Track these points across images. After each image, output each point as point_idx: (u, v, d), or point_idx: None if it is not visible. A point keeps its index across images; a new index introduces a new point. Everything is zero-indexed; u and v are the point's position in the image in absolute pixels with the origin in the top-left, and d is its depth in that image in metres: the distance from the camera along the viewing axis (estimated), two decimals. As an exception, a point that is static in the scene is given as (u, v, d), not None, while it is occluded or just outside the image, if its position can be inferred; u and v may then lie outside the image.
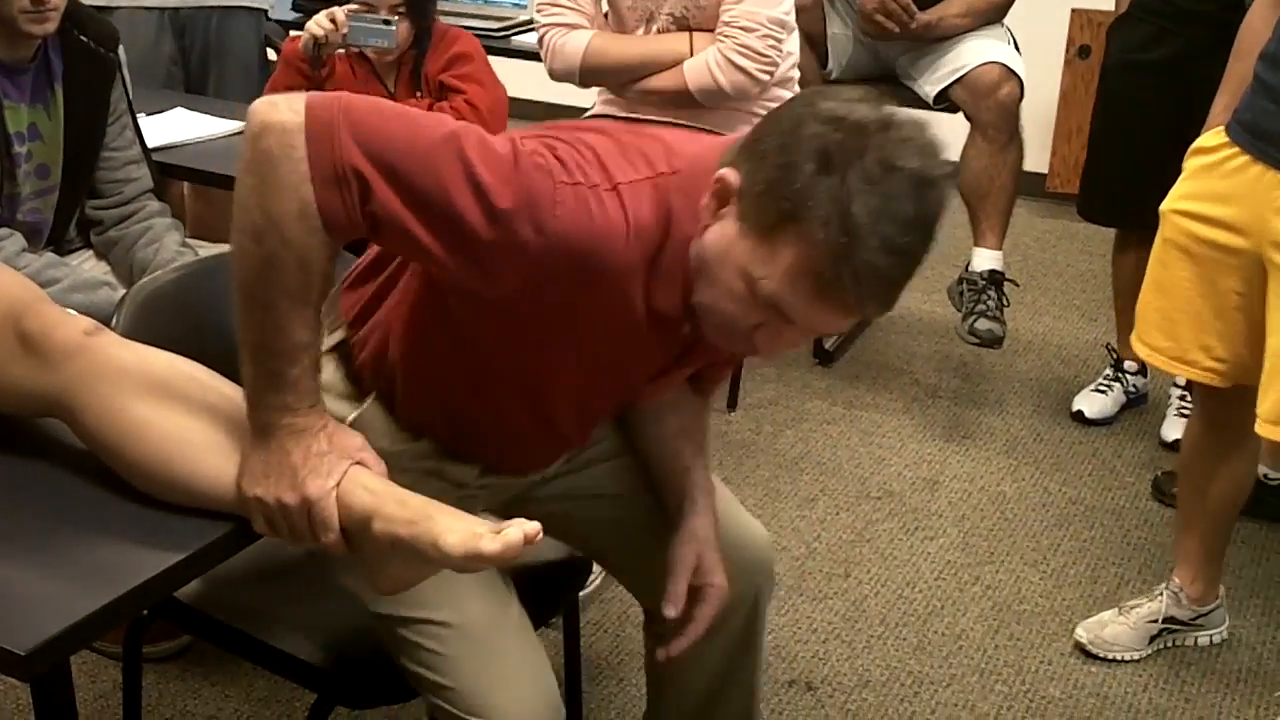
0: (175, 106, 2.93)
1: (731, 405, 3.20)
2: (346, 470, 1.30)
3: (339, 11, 2.60)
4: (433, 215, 1.23)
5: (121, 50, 2.39)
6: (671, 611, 1.53)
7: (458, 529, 1.24)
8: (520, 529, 1.20)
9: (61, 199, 2.33)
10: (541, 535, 1.22)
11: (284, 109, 1.22)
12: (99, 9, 2.80)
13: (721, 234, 1.28)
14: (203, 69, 3.26)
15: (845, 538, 2.70)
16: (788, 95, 2.56)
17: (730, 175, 1.26)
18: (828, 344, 3.48)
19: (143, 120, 2.53)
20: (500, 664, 1.49)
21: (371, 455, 1.34)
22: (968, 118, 3.07)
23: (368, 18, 2.60)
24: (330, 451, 1.30)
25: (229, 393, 1.37)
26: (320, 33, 2.59)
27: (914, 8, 2.98)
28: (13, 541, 1.31)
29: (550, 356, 1.41)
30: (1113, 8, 3.07)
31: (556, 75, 2.52)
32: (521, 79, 3.45)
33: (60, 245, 2.38)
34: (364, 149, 1.22)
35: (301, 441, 1.28)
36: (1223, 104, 2.09)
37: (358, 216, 1.23)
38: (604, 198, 1.28)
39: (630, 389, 1.55)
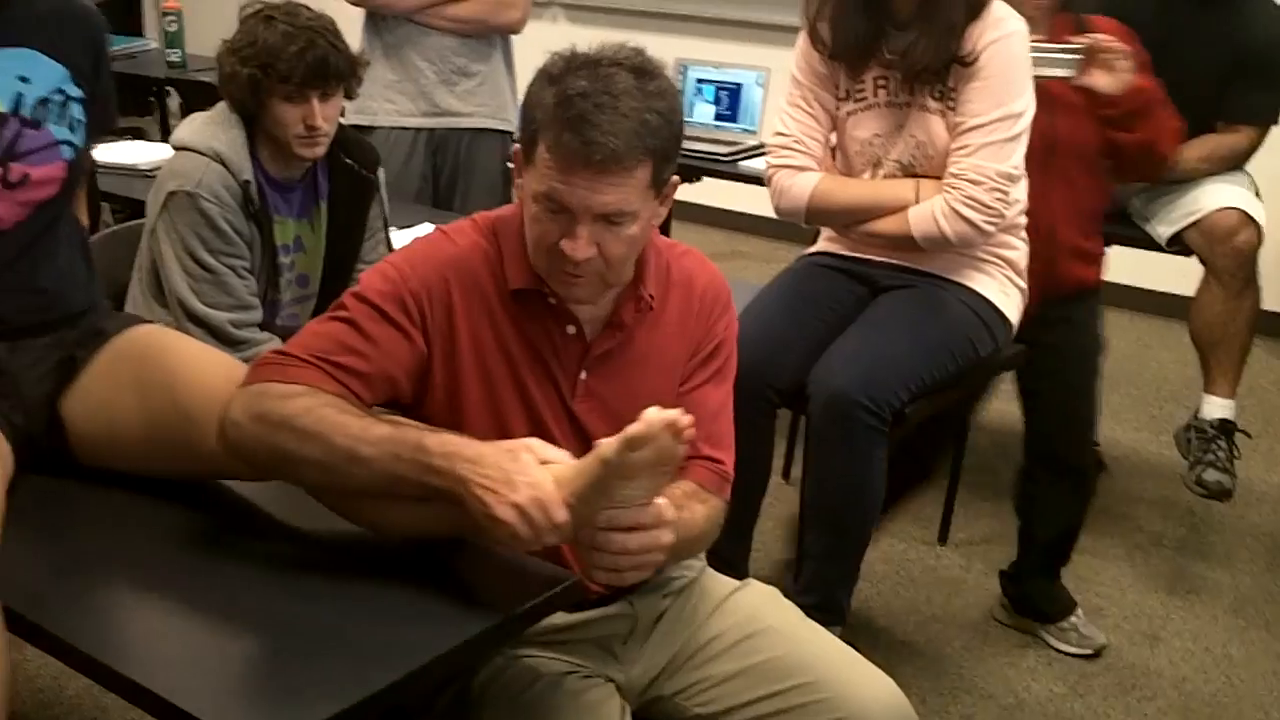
0: (423, 221, 3.11)
1: (943, 540, 3.17)
2: (537, 458, 1.45)
3: None
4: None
5: (381, 171, 2.57)
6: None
7: (609, 440, 1.39)
8: (658, 414, 1.35)
9: (318, 307, 2.51)
10: (692, 430, 1.37)
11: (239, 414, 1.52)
12: (361, 128, 3.02)
13: (523, 189, 1.56)
14: (451, 186, 3.47)
15: (1056, 691, 2.63)
16: (1015, 241, 2.57)
17: (516, 145, 1.58)
18: (1046, 482, 3.40)
19: (393, 233, 2.70)
20: None
21: (541, 443, 1.48)
22: (1202, 262, 3.00)
23: (1048, 46, 2.54)
24: (512, 449, 1.45)
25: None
26: None
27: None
28: (286, 626, 1.44)
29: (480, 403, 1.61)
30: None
31: (782, 214, 2.58)
32: (749, 198, 3.54)
33: None
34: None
35: (482, 461, 1.43)
36: None
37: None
38: (429, 238, 1.65)
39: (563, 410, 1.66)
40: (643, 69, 1.52)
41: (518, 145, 1.59)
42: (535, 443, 1.48)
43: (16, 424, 1.73)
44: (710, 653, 1.73)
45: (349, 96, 2.39)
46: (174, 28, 4.86)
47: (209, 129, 2.31)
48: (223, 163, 2.27)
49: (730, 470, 1.76)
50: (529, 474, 1.42)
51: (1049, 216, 2.64)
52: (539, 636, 1.66)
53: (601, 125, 1.46)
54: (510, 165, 3.26)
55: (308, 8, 2.33)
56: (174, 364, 1.77)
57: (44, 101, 1.79)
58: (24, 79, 1.77)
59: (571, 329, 1.64)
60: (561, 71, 1.51)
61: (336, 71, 2.29)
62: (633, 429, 1.35)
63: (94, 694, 2.37)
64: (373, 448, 1.45)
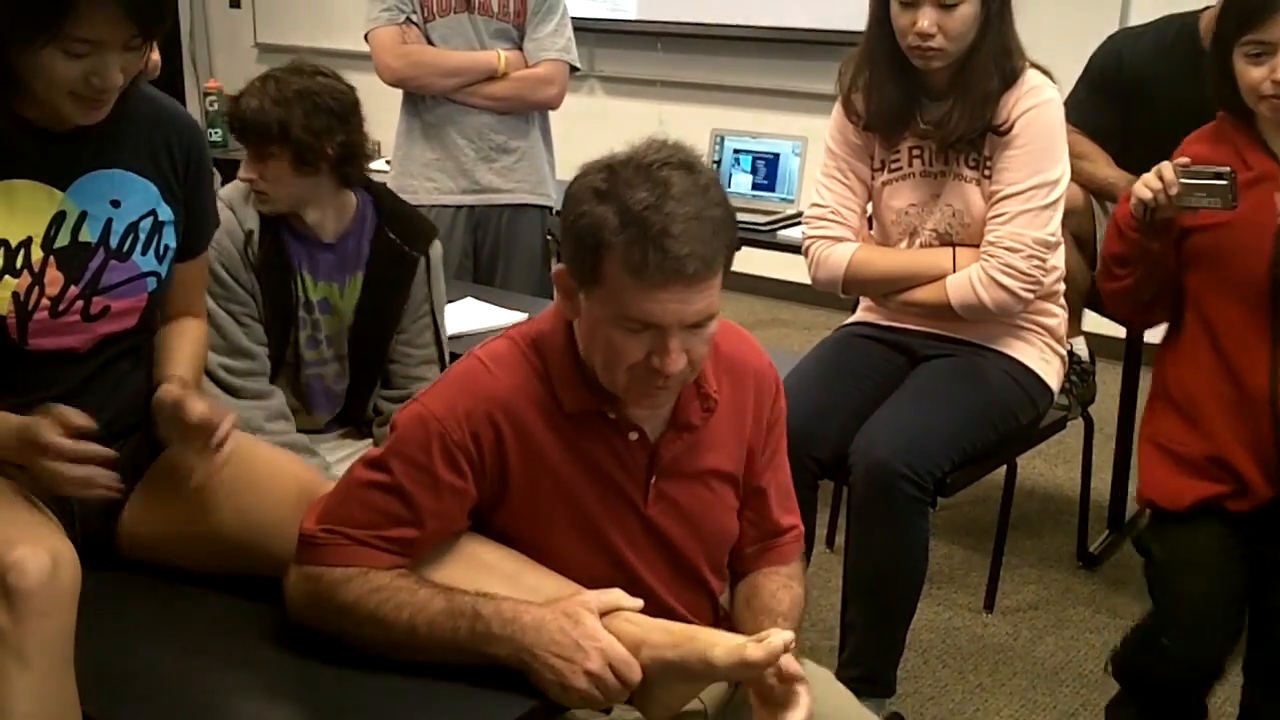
0: (466, 297, 3.15)
1: (989, 607, 3.14)
2: (598, 615, 1.46)
3: (1167, 167, 2.03)
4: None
5: (435, 250, 2.50)
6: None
7: (723, 642, 1.41)
8: (780, 637, 1.37)
9: (354, 379, 2.49)
10: (794, 644, 1.39)
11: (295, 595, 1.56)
12: None
13: (584, 313, 1.50)
14: (492, 262, 3.51)
15: (1107, 760, 2.59)
16: (1054, 309, 2.57)
17: (560, 267, 1.51)
18: (1093, 547, 3.38)
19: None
20: None
21: (597, 596, 1.49)
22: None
23: (1201, 171, 2.00)
24: (573, 611, 1.45)
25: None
26: (1149, 195, 2.04)
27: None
28: (333, 711, 1.47)
29: (549, 530, 1.59)
30: None
31: (820, 284, 2.60)
32: (788, 266, 3.56)
33: (360, 426, 2.56)
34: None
35: (545, 629, 1.43)
36: None
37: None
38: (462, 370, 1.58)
39: (637, 524, 1.63)
40: (689, 164, 1.46)
41: (561, 267, 1.52)
42: (590, 597, 1.48)
43: (70, 530, 1.69)
44: None
45: (346, 178, 2.33)
46: (215, 107, 4.96)
47: (237, 180, 2.35)
48: (231, 209, 2.29)
49: (803, 527, 1.82)
50: (598, 638, 1.42)
51: (1265, 376, 2.04)
52: None
53: (683, 237, 1.40)
54: (550, 240, 3.20)
55: (325, 76, 2.30)
56: (238, 469, 1.76)
57: (133, 228, 1.74)
58: (115, 203, 1.73)
59: (634, 435, 1.60)
60: (610, 185, 1.44)
61: (254, 132, 2.25)
62: (754, 654, 1.38)
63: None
64: (429, 626, 1.46)
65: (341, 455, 2.45)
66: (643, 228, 1.41)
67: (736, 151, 4.01)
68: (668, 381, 1.50)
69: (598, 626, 1.43)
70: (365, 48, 3.39)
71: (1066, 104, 2.54)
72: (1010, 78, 2.40)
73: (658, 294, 1.43)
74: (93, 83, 1.57)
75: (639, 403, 1.56)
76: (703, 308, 1.46)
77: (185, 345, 1.89)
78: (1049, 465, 3.95)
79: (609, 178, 1.45)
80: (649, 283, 1.42)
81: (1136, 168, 3.01)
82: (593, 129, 3.96)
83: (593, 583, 1.56)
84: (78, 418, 1.59)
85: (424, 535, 1.53)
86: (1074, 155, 2.60)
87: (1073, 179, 2.61)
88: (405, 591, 1.47)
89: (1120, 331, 3.47)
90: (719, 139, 4.04)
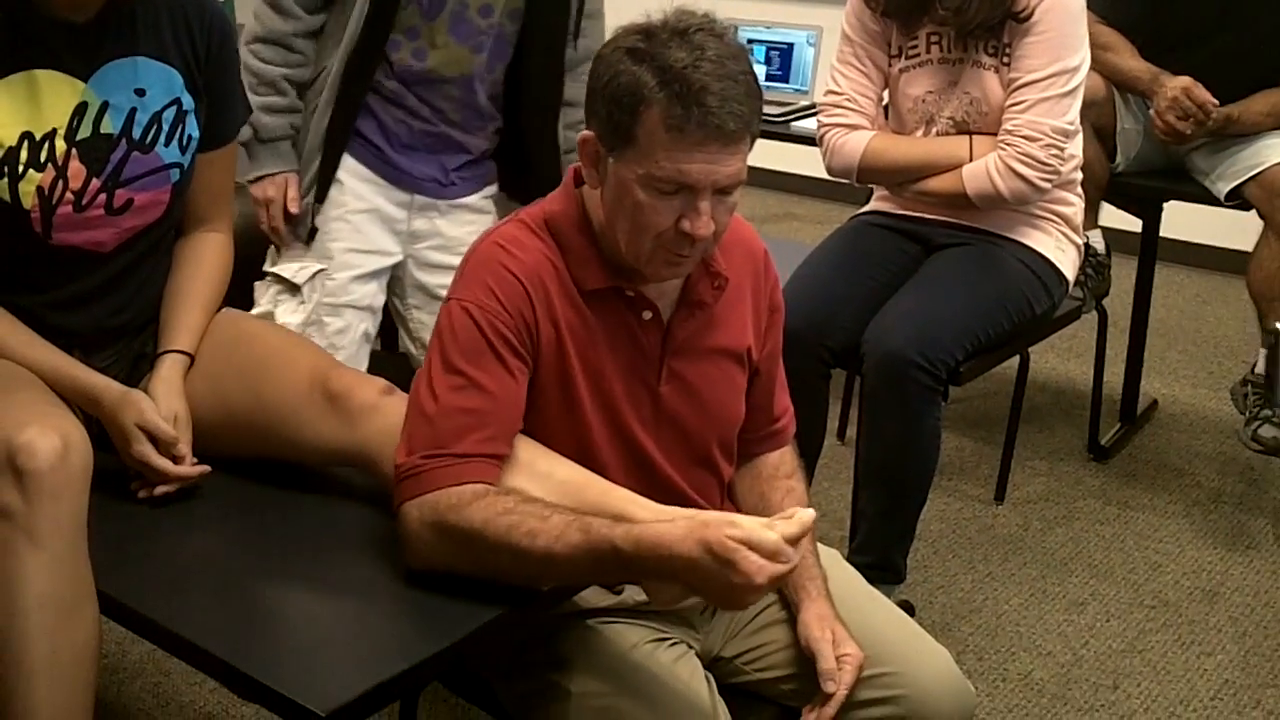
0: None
1: (999, 498, 3.16)
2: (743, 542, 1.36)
3: None
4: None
5: None
6: (833, 686, 1.59)
7: (745, 521, 1.36)
8: (809, 514, 1.36)
9: (518, 60, 2.34)
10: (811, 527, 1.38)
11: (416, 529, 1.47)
12: None
13: (611, 178, 1.50)
14: None
15: (1115, 647, 2.62)
16: (1071, 197, 2.55)
17: (588, 133, 1.51)
18: (1104, 440, 3.39)
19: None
20: None
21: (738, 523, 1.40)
22: (1261, 216, 2.95)
23: None
24: (723, 554, 1.34)
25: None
26: None
27: (1210, 106, 2.89)
28: (320, 609, 1.48)
29: (569, 410, 1.57)
30: None
31: (834, 173, 2.58)
32: (802, 159, 3.54)
33: (516, 177, 2.45)
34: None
35: (698, 569, 1.34)
36: None
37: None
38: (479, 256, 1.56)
39: (649, 401, 1.62)
40: (719, 31, 1.48)
41: (589, 133, 1.51)
42: (738, 528, 1.35)
43: (87, 416, 1.69)
44: (768, 618, 1.72)
45: None
46: (225, -2, 4.90)
47: None
48: None
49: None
50: (751, 578, 1.32)
51: None
52: (623, 610, 1.65)
53: (723, 94, 1.41)
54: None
55: None
56: (249, 352, 1.77)
57: (156, 118, 1.71)
58: (140, 92, 1.70)
59: (648, 314, 1.60)
60: (646, 46, 1.45)
61: None
62: (790, 531, 1.34)
63: (157, 659, 2.42)
64: (569, 561, 1.39)
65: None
66: (685, 84, 1.41)
67: (750, 41, 3.95)
68: (693, 248, 1.50)
69: (748, 557, 1.32)
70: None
71: (1092, -8, 2.49)
72: (1030, -38, 2.35)
73: (694, 153, 1.43)
74: None
75: (659, 273, 1.55)
76: (734, 171, 1.46)
77: (197, 293, 1.83)
78: (1061, 359, 3.95)
79: (645, 39, 1.46)
80: (688, 140, 1.42)
81: (1163, 61, 2.99)
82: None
83: (605, 465, 1.57)
84: (168, 440, 1.64)
85: (503, 428, 1.50)
86: (1098, 46, 2.56)
87: (1095, 70, 2.57)
88: (534, 518, 1.41)
89: (1136, 225, 3.45)
90: (732, 29, 3.98)
